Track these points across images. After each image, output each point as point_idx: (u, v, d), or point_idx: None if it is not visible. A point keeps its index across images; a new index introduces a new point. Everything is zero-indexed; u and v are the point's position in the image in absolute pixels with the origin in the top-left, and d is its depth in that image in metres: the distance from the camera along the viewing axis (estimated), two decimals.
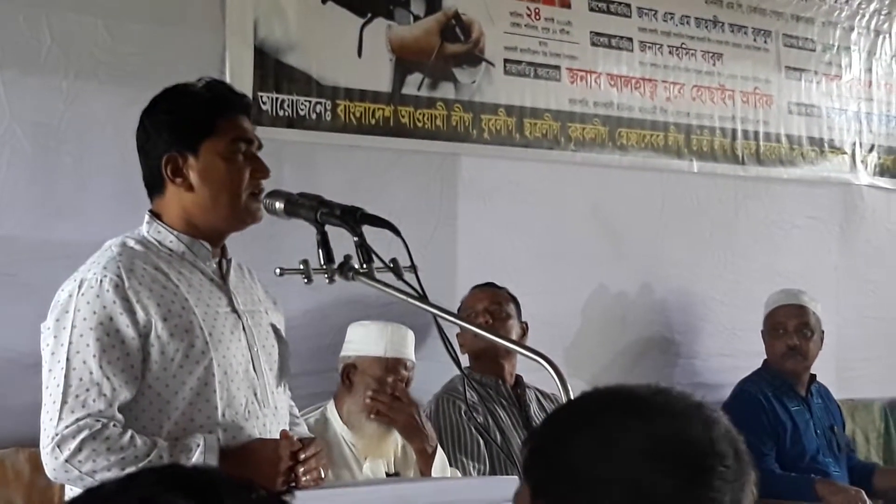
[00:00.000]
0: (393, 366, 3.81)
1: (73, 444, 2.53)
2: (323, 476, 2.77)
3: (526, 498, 1.46)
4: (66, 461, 2.53)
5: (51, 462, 2.56)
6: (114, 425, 2.55)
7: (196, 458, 2.56)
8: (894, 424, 5.83)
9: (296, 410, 3.10)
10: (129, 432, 2.55)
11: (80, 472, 2.53)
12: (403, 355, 3.84)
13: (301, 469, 2.68)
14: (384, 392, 3.78)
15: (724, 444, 1.41)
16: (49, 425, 2.56)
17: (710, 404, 1.47)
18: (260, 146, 2.78)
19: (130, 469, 2.43)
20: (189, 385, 2.63)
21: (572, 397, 1.75)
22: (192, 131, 2.70)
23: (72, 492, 2.68)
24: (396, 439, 3.87)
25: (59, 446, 2.54)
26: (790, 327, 5.05)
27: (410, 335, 3.88)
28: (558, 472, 1.43)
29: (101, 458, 2.52)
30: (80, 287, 2.60)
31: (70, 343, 2.57)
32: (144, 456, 2.53)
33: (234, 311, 2.76)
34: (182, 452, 2.57)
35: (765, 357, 5.13)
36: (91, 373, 2.55)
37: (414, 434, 3.81)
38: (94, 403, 2.54)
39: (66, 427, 2.54)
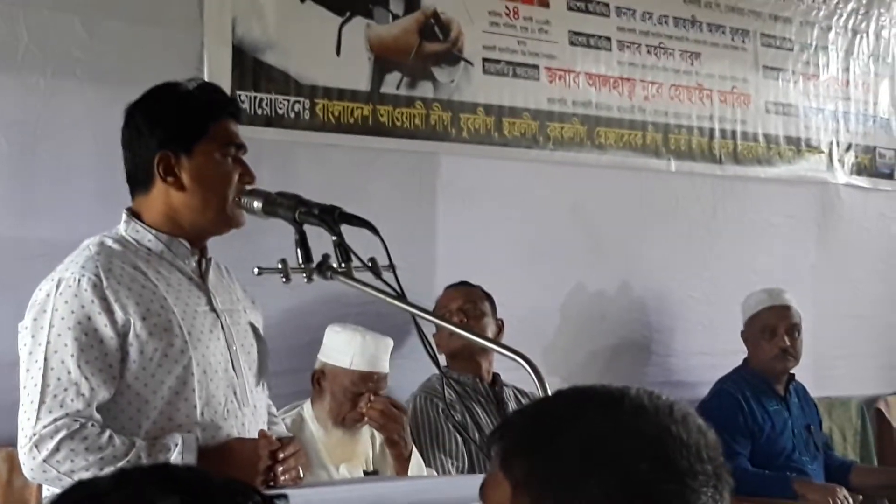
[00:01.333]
0: (359, 379, 3.77)
1: (50, 444, 2.52)
2: (301, 475, 2.78)
3: (505, 494, 1.45)
4: (44, 461, 2.53)
5: (28, 462, 2.56)
6: (92, 425, 2.54)
7: (174, 457, 2.56)
8: (871, 422, 5.86)
9: (274, 409, 3.10)
10: (108, 432, 2.55)
11: (59, 472, 2.53)
12: (372, 368, 3.79)
13: (280, 468, 2.68)
14: (372, 399, 3.76)
15: (703, 445, 1.42)
16: (27, 425, 2.55)
17: (682, 403, 1.48)
18: (245, 150, 2.79)
19: (109, 469, 2.44)
20: (168, 384, 2.63)
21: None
22: (186, 131, 2.71)
23: (49, 492, 2.68)
24: (373, 438, 3.86)
25: (36, 446, 2.53)
26: (781, 329, 5.06)
27: (384, 345, 3.83)
28: (545, 469, 1.43)
29: (80, 458, 2.51)
30: (57, 286, 2.59)
31: (48, 343, 2.56)
32: (123, 455, 2.53)
33: (213, 310, 2.76)
34: (160, 452, 2.57)
35: (744, 356, 5.14)
36: (69, 372, 2.55)
37: (395, 442, 3.80)
38: (72, 403, 2.54)
39: (44, 427, 2.53)
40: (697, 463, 1.40)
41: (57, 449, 2.52)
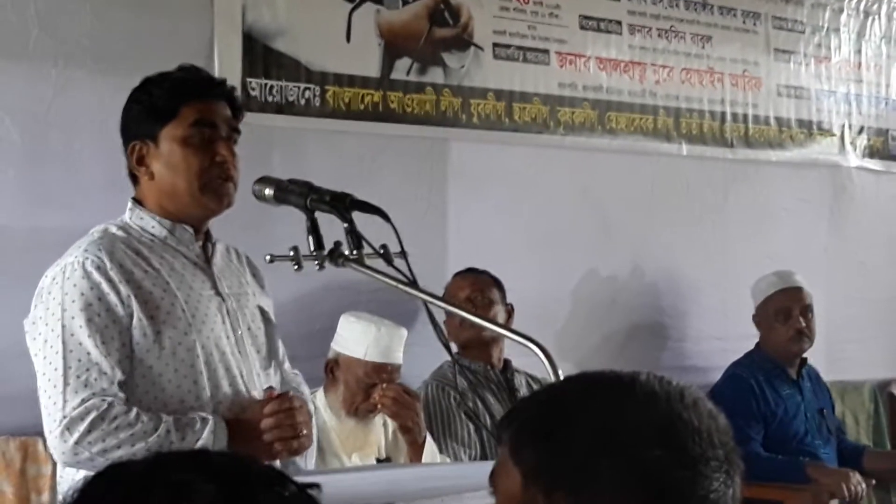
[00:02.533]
0: (372, 370, 3.76)
1: (82, 426, 2.52)
2: (304, 432, 2.73)
3: (515, 482, 1.45)
4: (76, 443, 2.53)
5: (60, 446, 2.55)
6: (119, 404, 2.55)
7: (205, 434, 2.56)
8: (884, 406, 5.85)
9: (299, 379, 3.04)
10: (134, 409, 2.55)
11: (91, 452, 2.52)
12: (385, 360, 3.77)
13: (269, 422, 2.65)
14: (384, 387, 3.76)
15: (714, 431, 1.41)
16: (54, 409, 2.55)
17: (693, 389, 1.47)
18: (235, 130, 2.77)
19: (140, 445, 2.46)
20: (173, 367, 2.63)
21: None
22: (154, 118, 2.71)
23: (64, 475, 2.68)
24: (385, 426, 3.86)
25: (68, 429, 2.53)
26: (795, 311, 5.06)
27: (399, 336, 3.82)
28: (556, 457, 1.42)
29: (111, 437, 2.52)
30: (63, 272, 2.60)
31: (63, 327, 2.57)
32: (153, 430, 2.53)
33: (218, 293, 2.76)
34: (188, 426, 2.57)
35: (756, 341, 5.14)
36: (88, 353, 2.55)
37: (409, 429, 3.80)
38: (96, 382, 2.54)
39: (74, 409, 2.53)
40: (709, 448, 1.40)
41: (89, 430, 2.52)
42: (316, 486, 1.20)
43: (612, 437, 1.40)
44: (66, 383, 2.55)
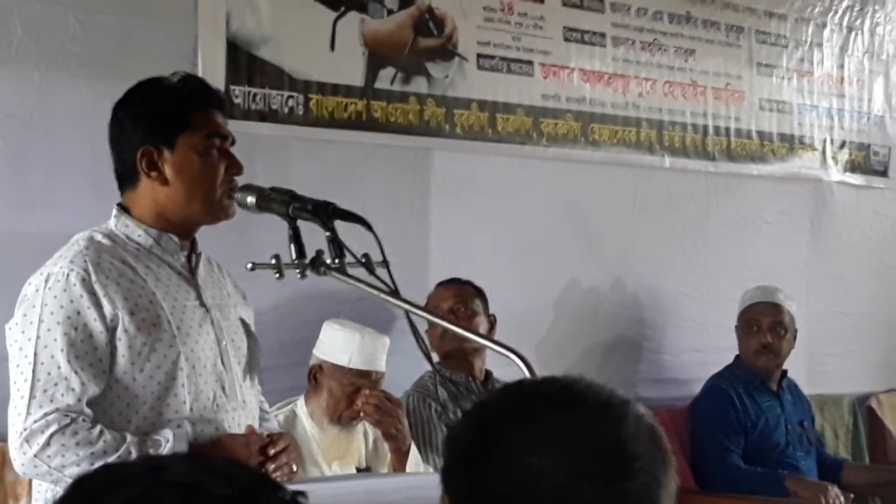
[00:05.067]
0: (356, 377, 3.76)
1: (41, 439, 2.52)
2: (294, 470, 2.77)
3: None
4: (35, 456, 2.52)
5: (20, 457, 2.55)
6: (83, 420, 2.54)
7: (166, 452, 2.55)
8: (863, 420, 5.87)
9: (266, 406, 3.09)
10: (98, 427, 2.54)
11: (49, 466, 2.52)
12: (369, 367, 3.78)
13: (271, 466, 2.68)
14: (372, 395, 3.76)
15: (634, 442, 1.39)
16: (17, 420, 2.55)
17: (620, 396, 1.44)
18: (233, 142, 2.78)
19: (99, 464, 2.44)
20: (157, 379, 2.62)
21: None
22: (167, 125, 2.69)
23: (39, 487, 2.67)
24: (366, 435, 3.86)
25: (27, 441, 2.53)
26: (764, 325, 5.07)
27: (382, 344, 3.82)
28: (477, 490, 1.41)
29: (70, 453, 2.51)
30: (46, 281, 2.59)
31: (38, 338, 2.56)
32: (114, 450, 2.52)
33: (203, 304, 2.75)
34: (151, 447, 2.56)
35: (737, 353, 5.15)
36: (59, 367, 2.54)
37: (394, 436, 3.80)
38: (62, 398, 2.53)
39: (35, 422, 2.52)
40: (630, 463, 1.38)
41: (48, 444, 2.52)
42: (302, 493, 1.21)
43: (524, 462, 1.38)
44: (31, 396, 2.54)
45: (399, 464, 3.79)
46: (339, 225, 2.50)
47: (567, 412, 1.41)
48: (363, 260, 2.50)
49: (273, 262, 2.50)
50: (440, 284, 4.45)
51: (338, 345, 3.80)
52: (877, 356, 6.05)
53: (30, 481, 3.17)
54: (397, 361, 3.92)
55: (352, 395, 3.75)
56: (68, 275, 2.58)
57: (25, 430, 2.53)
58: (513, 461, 1.38)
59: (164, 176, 2.69)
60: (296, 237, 2.53)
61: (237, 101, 4.14)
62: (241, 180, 2.72)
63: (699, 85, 5.49)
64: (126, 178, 2.75)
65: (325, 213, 2.50)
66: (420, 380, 4.24)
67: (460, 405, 4.18)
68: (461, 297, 4.39)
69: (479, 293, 4.44)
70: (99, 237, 2.69)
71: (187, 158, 2.69)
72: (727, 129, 5.56)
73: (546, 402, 1.43)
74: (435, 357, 4.18)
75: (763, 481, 4.74)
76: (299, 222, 2.54)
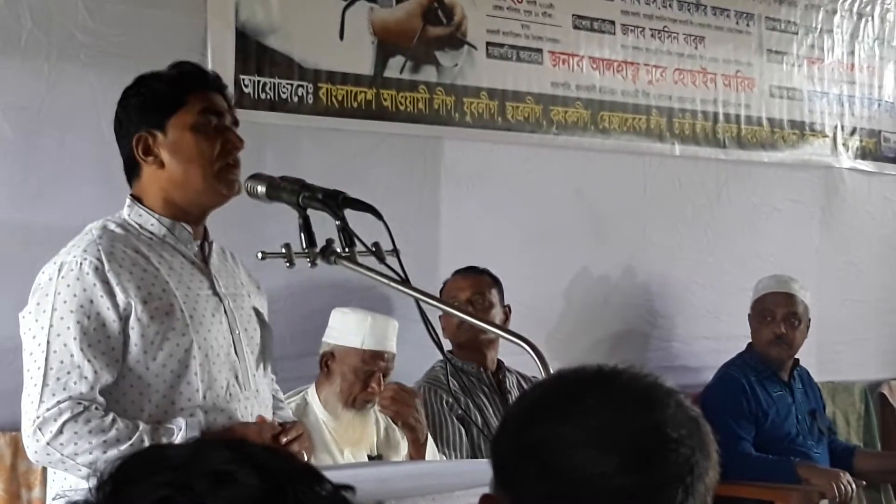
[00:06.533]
0: (370, 358, 3.77)
1: (54, 427, 2.52)
2: (307, 459, 2.77)
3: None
4: (48, 444, 2.53)
5: (32, 445, 2.56)
6: (95, 408, 2.54)
7: (178, 441, 2.56)
8: (874, 406, 5.86)
9: (281, 395, 3.10)
10: (111, 415, 2.55)
11: (62, 454, 2.53)
12: (382, 347, 3.78)
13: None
14: (377, 383, 3.76)
15: (674, 429, 1.39)
16: (30, 408, 2.55)
17: (662, 385, 1.45)
18: (235, 122, 2.78)
19: (112, 452, 2.46)
20: (169, 367, 2.63)
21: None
22: (159, 108, 2.70)
23: (55, 475, 2.68)
24: (377, 423, 3.87)
25: (40, 429, 2.54)
26: (778, 315, 5.05)
27: (392, 326, 3.83)
28: (526, 472, 1.41)
29: (83, 441, 2.52)
30: (59, 270, 2.59)
31: (51, 326, 2.56)
32: (126, 438, 2.53)
33: (216, 293, 2.75)
34: (164, 436, 2.57)
35: (749, 341, 5.14)
36: (72, 355, 2.55)
37: (412, 427, 3.80)
38: (75, 386, 2.54)
39: (48, 410, 2.53)
40: (671, 450, 1.38)
41: (60, 431, 2.52)
42: (350, 487, 1.19)
43: (563, 455, 1.39)
44: (45, 384, 2.55)
45: (417, 454, 3.80)
46: (349, 214, 2.50)
47: (610, 401, 1.41)
48: (373, 249, 2.49)
49: (283, 251, 2.50)
50: (457, 273, 4.43)
51: (349, 328, 3.80)
52: (888, 343, 6.04)
53: (43, 471, 3.19)
54: (408, 351, 3.91)
55: (366, 376, 3.76)
56: (81, 263, 2.58)
57: (38, 417, 2.54)
58: (559, 454, 1.39)
59: (160, 159, 2.70)
60: (306, 226, 2.53)
61: (247, 90, 4.14)
62: (250, 169, 2.72)
63: (709, 72, 5.47)
64: (130, 169, 2.77)
65: (335, 202, 2.50)
66: (431, 370, 4.23)
67: (471, 396, 4.18)
68: (479, 288, 4.38)
69: (496, 282, 4.43)
70: (112, 226, 2.70)
71: (181, 137, 2.70)
72: (737, 117, 5.55)
73: (590, 391, 1.43)
74: (447, 345, 4.18)
75: (774, 468, 4.74)
76: (309, 211, 2.54)
